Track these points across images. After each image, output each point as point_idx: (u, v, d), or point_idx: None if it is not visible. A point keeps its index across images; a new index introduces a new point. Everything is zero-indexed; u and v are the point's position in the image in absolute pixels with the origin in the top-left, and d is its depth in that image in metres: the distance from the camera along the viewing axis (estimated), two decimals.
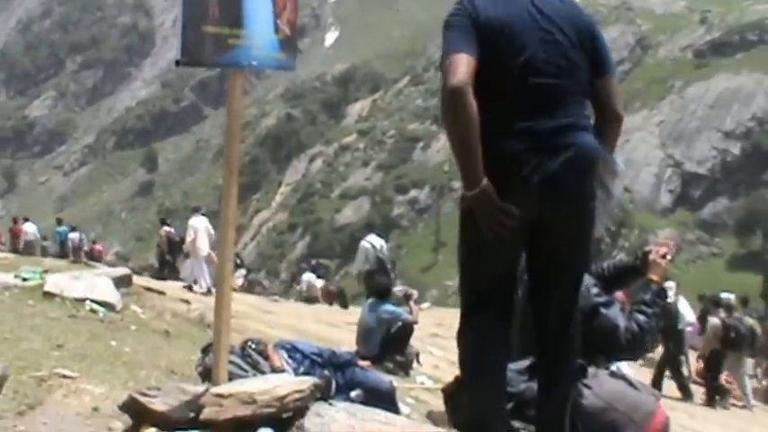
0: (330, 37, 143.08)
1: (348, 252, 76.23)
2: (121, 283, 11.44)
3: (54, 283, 10.22)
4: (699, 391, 15.92)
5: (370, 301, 12.09)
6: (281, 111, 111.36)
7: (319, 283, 30.71)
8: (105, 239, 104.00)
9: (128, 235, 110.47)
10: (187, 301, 13.28)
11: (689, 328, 16.24)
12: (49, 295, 9.82)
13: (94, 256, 35.16)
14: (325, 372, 6.16)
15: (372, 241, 18.74)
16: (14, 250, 30.46)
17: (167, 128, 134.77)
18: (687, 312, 15.96)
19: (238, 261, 40.66)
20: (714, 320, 15.47)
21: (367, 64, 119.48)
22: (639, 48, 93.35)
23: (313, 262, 39.58)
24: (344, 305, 27.71)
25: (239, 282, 32.80)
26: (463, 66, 3.74)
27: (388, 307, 11.73)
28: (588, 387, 4.39)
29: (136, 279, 13.71)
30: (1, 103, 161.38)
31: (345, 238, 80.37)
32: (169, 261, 27.29)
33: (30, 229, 34.37)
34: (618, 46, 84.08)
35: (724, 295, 17.65)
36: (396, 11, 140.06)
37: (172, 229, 28.46)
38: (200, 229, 20.78)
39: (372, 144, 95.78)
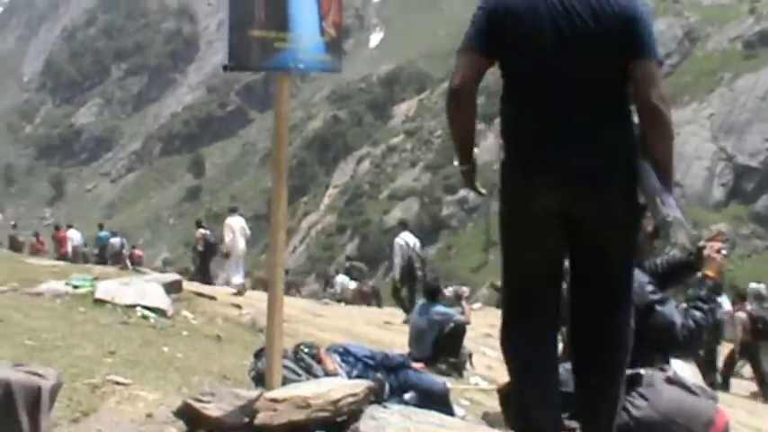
0: (375, 38, 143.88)
1: None
2: (172, 288, 11.49)
3: (105, 289, 10.29)
4: (740, 386, 15.87)
5: (422, 302, 12.23)
6: (327, 113, 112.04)
7: (353, 284, 31.50)
8: (154, 245, 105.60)
9: (176, 240, 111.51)
10: (238, 306, 13.36)
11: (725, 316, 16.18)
12: (99, 302, 9.89)
13: (134, 261, 35.60)
14: (378, 374, 6.18)
15: (406, 239, 18.93)
16: (59, 257, 30.78)
17: (214, 132, 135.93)
18: (724, 301, 15.76)
19: None
20: (740, 314, 15.48)
21: (412, 64, 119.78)
22: (688, 40, 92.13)
23: (347, 264, 40.47)
24: (379, 305, 28.41)
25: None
26: (466, 67, 3.86)
27: (440, 308, 11.75)
28: (645, 398, 4.35)
29: (186, 284, 13.73)
30: (48, 111, 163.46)
31: (394, 239, 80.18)
32: (201, 267, 27.97)
33: (74, 235, 35.18)
34: (666, 39, 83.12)
35: (753, 285, 17.73)
36: (440, 10, 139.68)
37: (208, 232, 29.00)
38: (236, 229, 21.13)
39: (420, 144, 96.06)
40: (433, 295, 12.06)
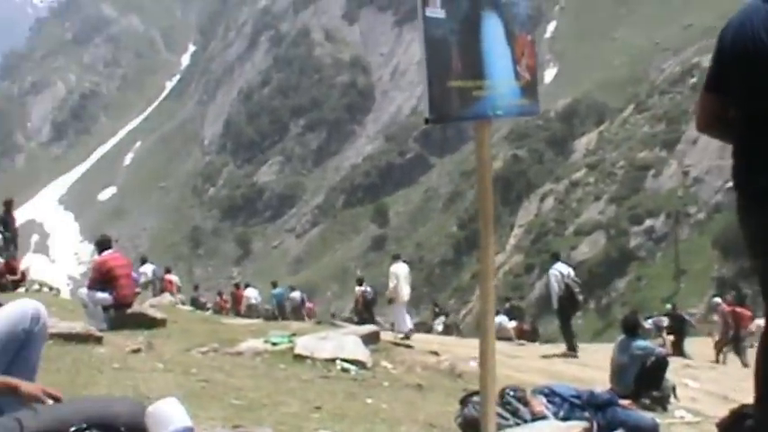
0: (549, 73, 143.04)
1: (587, 288, 78.44)
2: (369, 340, 12.14)
3: (303, 345, 10.96)
4: None
5: (621, 338, 12.44)
6: (506, 153, 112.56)
7: (512, 324, 32.68)
8: (342, 297, 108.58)
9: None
10: (436, 353, 13.97)
11: None
12: (299, 358, 10.52)
13: (309, 314, 38.89)
14: (586, 413, 6.59)
15: (560, 269, 19.87)
16: (237, 314, 33.46)
17: (395, 181, 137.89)
18: None
19: (437, 309, 45.40)
20: None
21: (589, 96, 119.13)
22: None
23: (507, 305, 40.55)
24: (534, 341, 30.53)
25: (439, 328, 36.91)
26: (701, 109, 4.19)
27: (640, 342, 12.15)
28: None
29: (383, 334, 14.64)
30: (230, 172, 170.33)
31: (583, 274, 78.58)
32: (366, 318, 29.35)
33: (251, 293, 37.88)
34: None
35: None
36: (612, 39, 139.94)
37: (367, 289, 31.13)
38: (400, 276, 22.50)
39: (602, 177, 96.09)
40: (633, 329, 12.30)
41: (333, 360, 10.38)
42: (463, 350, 16.43)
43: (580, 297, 20.03)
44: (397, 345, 14.41)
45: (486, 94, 4.51)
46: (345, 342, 11.06)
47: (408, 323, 22.58)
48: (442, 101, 4.22)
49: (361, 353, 10.86)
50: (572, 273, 20.21)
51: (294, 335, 12.34)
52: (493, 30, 4.60)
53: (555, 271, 19.93)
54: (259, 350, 11.14)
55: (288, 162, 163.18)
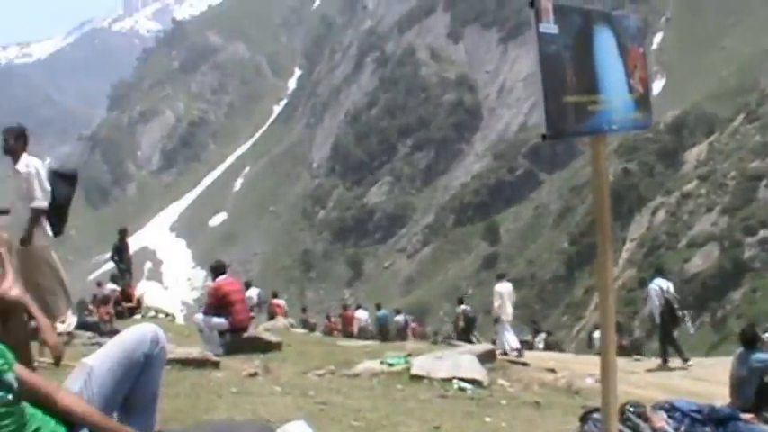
0: (657, 85, 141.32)
1: (701, 301, 78.93)
2: (485, 358, 12.15)
3: (420, 365, 10.98)
4: None
5: (740, 350, 12.13)
6: (617, 167, 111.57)
7: None
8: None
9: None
10: (552, 370, 14.03)
11: None
12: (416, 378, 10.52)
13: (414, 335, 39.78)
14: (707, 428, 6.61)
15: (660, 284, 20.13)
16: (348, 335, 33.79)
17: (505, 198, 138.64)
18: None
19: (535, 326, 46.90)
20: None
21: (698, 107, 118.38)
22: None
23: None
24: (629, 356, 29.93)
25: (540, 346, 37.41)
26: None
27: (759, 355, 11.76)
28: None
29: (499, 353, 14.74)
30: (340, 194, 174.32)
31: (697, 287, 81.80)
32: (464, 338, 28.91)
33: (362, 315, 38.54)
34: None
35: None
36: (720, 49, 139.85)
37: (468, 308, 31.45)
38: (504, 295, 23.15)
39: (714, 188, 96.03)
40: (752, 342, 12.02)
41: (450, 379, 10.45)
42: (579, 366, 16.65)
43: (679, 313, 20.10)
44: (513, 363, 14.58)
45: (601, 108, 4.59)
46: (461, 361, 11.16)
47: (514, 342, 23.04)
48: (558, 117, 4.28)
49: (478, 372, 10.91)
50: (671, 288, 20.37)
51: (410, 355, 12.50)
52: (605, 43, 4.70)
53: (655, 286, 20.29)
54: (376, 371, 11.27)
55: (397, 182, 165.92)
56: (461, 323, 30.57)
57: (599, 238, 4.74)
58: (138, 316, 22.97)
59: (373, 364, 11.67)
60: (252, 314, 23.64)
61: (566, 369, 14.42)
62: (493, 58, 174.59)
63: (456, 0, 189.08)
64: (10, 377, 3.54)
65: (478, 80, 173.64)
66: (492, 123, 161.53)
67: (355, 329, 36.28)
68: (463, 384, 10.27)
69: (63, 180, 11.02)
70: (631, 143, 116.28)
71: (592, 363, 13.58)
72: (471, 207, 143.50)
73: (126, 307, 22.96)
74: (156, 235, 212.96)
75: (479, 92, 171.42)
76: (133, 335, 4.29)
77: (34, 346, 4.85)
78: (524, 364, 14.72)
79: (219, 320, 13.96)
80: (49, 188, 10.53)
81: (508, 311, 23.32)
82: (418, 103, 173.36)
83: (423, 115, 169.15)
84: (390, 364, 11.50)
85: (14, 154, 10.51)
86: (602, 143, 4.79)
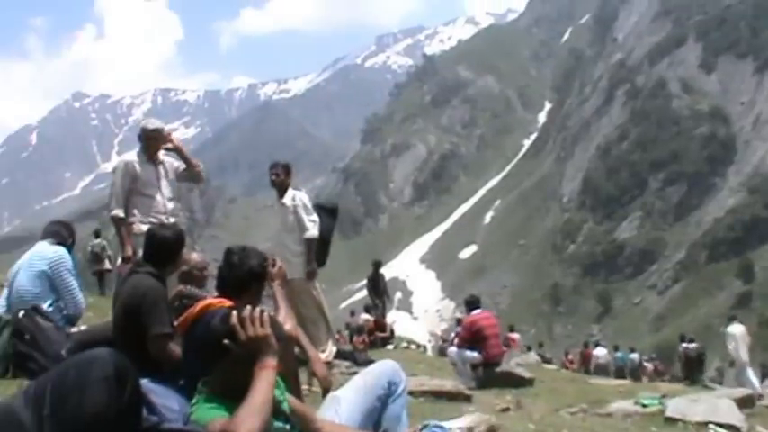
0: None
1: None
2: (743, 403, 11.65)
3: (675, 407, 10.76)
4: None
5: None
6: None
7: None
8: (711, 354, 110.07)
9: (725, 352, 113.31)
10: None
11: None
12: (670, 420, 10.34)
13: (650, 375, 38.87)
14: None
15: None
16: (586, 372, 33.61)
17: (760, 234, 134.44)
18: None
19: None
20: None
21: None
22: None
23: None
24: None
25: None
26: None
27: None
28: None
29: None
30: (590, 229, 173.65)
31: None
32: (692, 378, 29.35)
33: (600, 353, 38.52)
34: None
35: None
36: None
37: (690, 345, 31.55)
38: (738, 337, 22.86)
39: None
40: None
41: (705, 423, 10.08)
42: None
43: None
44: None
45: None
46: (719, 405, 10.71)
47: (756, 383, 22.36)
48: None
49: (735, 417, 10.37)
50: None
51: (664, 396, 12.22)
52: None
53: None
54: (629, 412, 11.11)
55: (648, 217, 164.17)
56: (684, 362, 30.82)
57: None
58: (390, 346, 23.83)
59: (626, 405, 11.62)
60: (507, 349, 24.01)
61: None
62: (748, 88, 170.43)
63: (708, 30, 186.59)
64: (285, 407, 3.95)
65: (732, 112, 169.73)
66: (747, 156, 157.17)
67: (592, 367, 36.55)
68: (719, 429, 9.96)
69: (326, 213, 11.70)
70: None
71: None
72: (725, 243, 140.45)
73: (379, 336, 23.87)
74: (407, 266, 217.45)
75: (733, 124, 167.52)
76: (375, 370, 4.72)
77: (302, 373, 5.25)
78: None
79: (473, 354, 14.40)
80: (317, 219, 11.27)
81: (742, 353, 22.98)
82: (670, 135, 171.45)
83: (675, 148, 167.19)
84: (644, 405, 11.37)
85: (281, 187, 11.37)
86: None
